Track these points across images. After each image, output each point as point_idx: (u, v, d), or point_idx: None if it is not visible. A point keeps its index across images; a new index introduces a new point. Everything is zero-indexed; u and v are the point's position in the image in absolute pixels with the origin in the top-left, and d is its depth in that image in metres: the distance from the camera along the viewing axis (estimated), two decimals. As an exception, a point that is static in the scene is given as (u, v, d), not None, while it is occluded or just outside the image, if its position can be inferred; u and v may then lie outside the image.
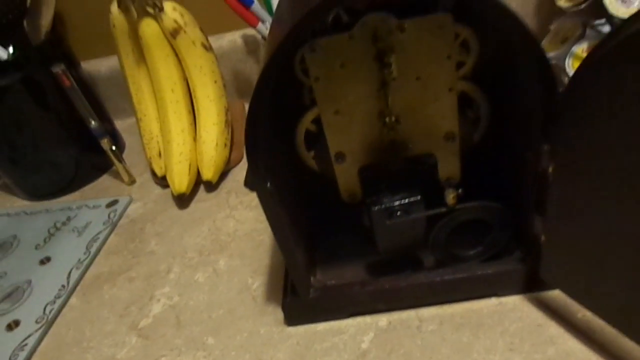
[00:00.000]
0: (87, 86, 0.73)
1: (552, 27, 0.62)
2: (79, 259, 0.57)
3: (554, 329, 0.37)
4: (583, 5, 0.54)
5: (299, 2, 0.31)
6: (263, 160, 0.33)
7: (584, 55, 0.55)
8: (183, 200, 0.62)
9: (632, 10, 0.50)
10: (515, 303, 0.39)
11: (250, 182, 0.33)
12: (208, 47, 0.61)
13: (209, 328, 0.45)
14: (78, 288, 0.54)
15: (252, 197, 0.60)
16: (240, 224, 0.57)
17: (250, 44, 0.77)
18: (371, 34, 0.32)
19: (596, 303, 0.33)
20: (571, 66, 0.56)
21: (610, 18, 0.51)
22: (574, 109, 0.27)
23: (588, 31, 0.57)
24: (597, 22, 0.56)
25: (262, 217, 0.56)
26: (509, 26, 0.28)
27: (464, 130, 0.37)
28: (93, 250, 0.58)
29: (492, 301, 0.40)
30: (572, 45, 0.57)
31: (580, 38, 0.57)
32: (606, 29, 0.55)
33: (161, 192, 0.67)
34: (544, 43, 0.62)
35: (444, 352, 0.37)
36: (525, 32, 0.28)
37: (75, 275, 0.55)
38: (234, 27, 0.76)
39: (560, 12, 0.59)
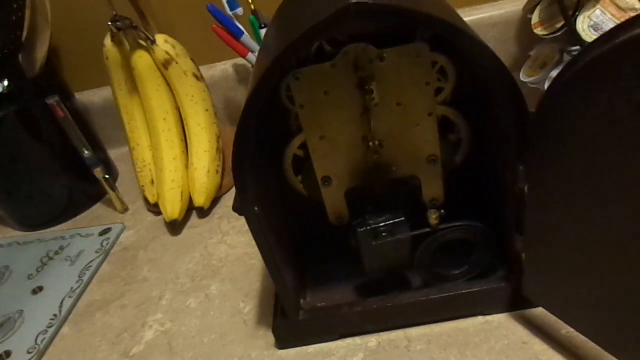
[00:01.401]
0: (81, 117, 0.74)
1: (532, 53, 0.65)
2: (72, 288, 0.57)
3: (539, 346, 0.38)
4: (559, 34, 0.56)
5: (284, 34, 0.33)
6: (251, 185, 0.34)
7: (562, 79, 0.57)
8: (175, 227, 0.63)
9: (605, 36, 0.52)
10: (501, 321, 0.40)
11: (238, 207, 0.34)
12: (199, 77, 0.63)
13: (201, 353, 0.45)
14: (70, 317, 0.54)
15: (244, 222, 0.60)
16: (232, 248, 0.58)
17: (241, 73, 0.79)
18: (353, 63, 0.33)
19: (577, 319, 0.34)
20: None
21: (583, 44, 0.54)
22: (544, 130, 0.28)
23: (565, 57, 0.59)
24: (573, 48, 0.58)
25: (253, 241, 0.57)
26: (481, 56, 0.30)
27: (446, 153, 0.39)
28: (86, 278, 0.58)
29: (479, 320, 0.41)
30: (551, 70, 0.59)
31: (558, 64, 0.59)
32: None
33: (154, 219, 0.67)
34: (525, 68, 0.64)
35: (432, 371, 0.38)
36: (496, 61, 0.30)
37: (67, 304, 0.55)
38: (226, 57, 0.78)
39: (539, 39, 0.62)
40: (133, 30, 0.57)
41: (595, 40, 0.24)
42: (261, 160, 0.39)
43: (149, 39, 0.58)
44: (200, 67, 0.65)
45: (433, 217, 0.37)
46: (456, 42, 0.29)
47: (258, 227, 0.35)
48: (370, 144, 0.37)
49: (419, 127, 0.37)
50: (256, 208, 0.34)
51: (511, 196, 0.35)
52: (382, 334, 0.42)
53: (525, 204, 0.33)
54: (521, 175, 0.32)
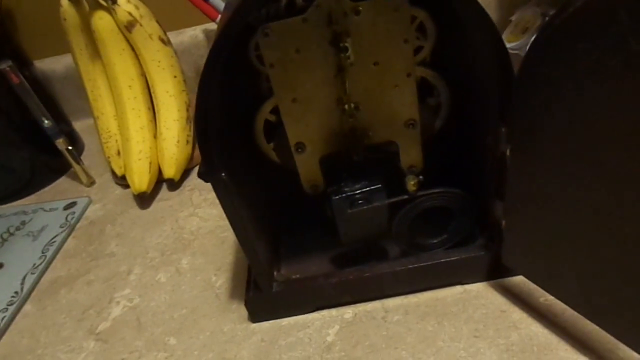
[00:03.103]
0: (41, 85, 0.70)
1: (513, 18, 0.63)
2: (34, 264, 0.54)
3: (517, 314, 0.37)
4: (541, -5, 0.55)
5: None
6: (217, 150, 0.31)
7: (543, 44, 0.56)
8: (144, 200, 0.61)
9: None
10: (479, 290, 0.39)
11: (203, 173, 0.31)
12: (166, 41, 0.59)
13: (170, 328, 0.43)
14: (33, 294, 0.51)
15: (216, 194, 0.58)
16: (204, 221, 0.55)
17: (212, 39, 0.75)
18: (326, 17, 0.31)
19: (557, 287, 0.33)
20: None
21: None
22: (527, 89, 0.27)
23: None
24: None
25: (226, 213, 0.56)
26: (464, 7, 0.28)
27: (425, 117, 0.37)
28: (49, 254, 0.55)
29: (457, 289, 0.40)
30: (533, 35, 0.58)
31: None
32: None
33: (122, 192, 0.64)
34: (506, 34, 0.62)
35: (409, 342, 0.37)
36: (480, 13, 0.28)
37: (29, 280, 0.52)
38: (195, 22, 0.75)
39: (520, 3, 0.60)
40: (91, -12, 0.53)
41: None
42: (230, 123, 0.36)
43: (109, -3, 0.54)
44: (168, 33, 0.62)
45: (411, 184, 0.35)
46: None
47: (225, 193, 0.33)
48: (346, 106, 0.35)
49: (396, 89, 0.35)
50: (223, 174, 0.32)
51: (492, 160, 0.33)
52: (358, 305, 0.40)
53: (506, 168, 0.31)
54: (503, 137, 0.30)
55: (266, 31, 0.31)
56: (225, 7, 0.38)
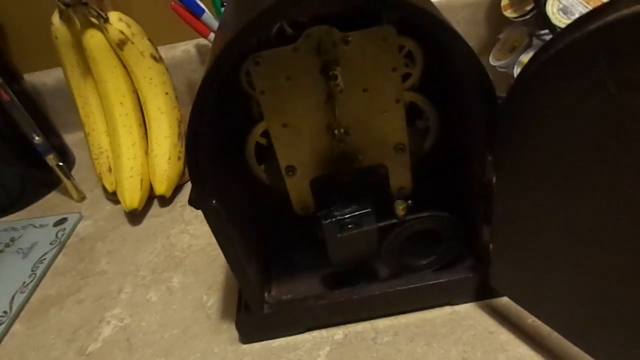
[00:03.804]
0: (31, 100, 0.70)
1: (501, 36, 0.64)
2: (24, 282, 0.54)
3: (505, 336, 0.37)
4: (528, 16, 0.56)
5: (243, 11, 0.30)
6: (208, 177, 0.32)
7: (530, 63, 0.57)
8: (135, 216, 0.60)
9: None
10: (467, 311, 0.40)
11: (194, 200, 0.32)
12: (158, 58, 0.60)
13: (161, 349, 0.43)
14: (22, 313, 0.51)
15: (207, 211, 0.59)
16: (195, 239, 0.55)
17: (203, 54, 0.76)
18: (316, 47, 0.31)
19: (542, 310, 0.34)
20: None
21: (552, 28, 0.53)
22: (512, 119, 0.27)
23: (534, 41, 0.59)
24: (542, 32, 0.57)
25: (217, 231, 0.56)
26: (449, 40, 0.29)
27: (413, 141, 0.37)
28: (39, 272, 0.55)
29: (446, 310, 0.40)
30: (520, 54, 0.59)
31: (527, 47, 0.59)
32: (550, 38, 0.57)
33: (113, 208, 0.64)
34: (494, 52, 0.63)
35: (399, 364, 0.37)
36: (465, 48, 0.28)
37: (19, 299, 0.52)
38: (187, 38, 0.75)
39: (508, 21, 0.61)
40: (83, 7, 0.53)
41: (568, 26, 0.23)
42: (220, 148, 0.36)
43: (101, 16, 0.54)
44: (159, 48, 0.62)
45: (400, 208, 0.36)
46: (425, 26, 0.28)
47: (216, 220, 0.33)
48: (336, 131, 0.35)
49: (385, 114, 0.35)
50: (214, 201, 0.32)
51: (479, 186, 0.34)
52: (348, 325, 0.41)
53: (492, 194, 0.32)
54: (489, 165, 0.31)
55: (257, 60, 0.31)
56: (219, 28, 0.38)
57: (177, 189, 0.63)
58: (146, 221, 0.60)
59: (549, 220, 0.29)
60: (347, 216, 0.36)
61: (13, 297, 0.52)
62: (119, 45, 0.56)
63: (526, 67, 0.25)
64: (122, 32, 0.56)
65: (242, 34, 0.27)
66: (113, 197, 0.63)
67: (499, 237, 0.34)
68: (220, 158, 0.37)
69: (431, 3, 0.32)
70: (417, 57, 0.34)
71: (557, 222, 0.29)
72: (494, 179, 0.31)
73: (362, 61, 0.32)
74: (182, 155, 0.62)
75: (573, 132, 0.24)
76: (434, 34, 0.28)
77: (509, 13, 0.58)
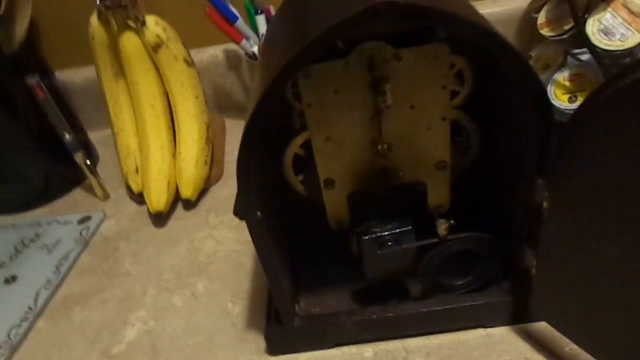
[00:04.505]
0: (60, 96, 0.70)
1: (533, 53, 0.63)
2: (48, 279, 0.54)
3: (542, 362, 0.37)
4: (566, 35, 0.55)
5: (296, 31, 0.30)
6: (254, 190, 0.31)
7: (566, 83, 0.56)
8: (160, 218, 0.60)
9: (614, 43, 0.51)
10: (502, 335, 0.39)
11: (240, 212, 0.31)
12: (190, 63, 0.60)
13: (186, 356, 0.43)
14: (46, 310, 0.51)
15: (233, 217, 0.58)
16: (220, 244, 0.55)
17: (231, 59, 0.76)
18: (367, 62, 0.31)
19: (584, 339, 0.33)
20: (553, 93, 0.57)
21: (592, 49, 0.52)
22: (573, 147, 0.27)
23: (569, 59, 0.58)
24: (578, 50, 0.57)
25: (243, 238, 0.55)
26: (506, 60, 0.28)
27: (454, 159, 0.37)
28: (63, 269, 0.55)
29: (480, 332, 0.39)
30: (554, 72, 0.58)
31: (562, 66, 0.58)
32: (586, 57, 0.56)
33: (136, 208, 0.64)
34: (526, 70, 0.62)
35: (431, 386, 0.36)
36: (523, 66, 0.28)
37: (43, 296, 0.52)
38: (216, 42, 0.75)
39: (540, 38, 0.60)
40: (122, 10, 0.53)
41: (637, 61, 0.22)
42: (263, 162, 0.36)
43: (138, 20, 0.54)
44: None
45: (442, 228, 0.35)
46: (483, 44, 0.27)
47: (259, 232, 0.33)
48: (379, 147, 0.35)
49: (430, 132, 0.35)
50: (259, 213, 0.32)
51: (525, 209, 0.33)
52: (378, 343, 0.40)
53: (541, 219, 0.31)
54: (540, 189, 0.30)
55: (308, 73, 0.31)
56: (268, 46, 0.37)
57: (202, 193, 0.63)
58: (170, 224, 0.60)
59: (601, 250, 0.28)
60: (386, 233, 0.36)
61: (38, 293, 0.52)
62: (154, 49, 0.56)
63: (597, 92, 0.24)
64: (158, 36, 0.56)
65: (301, 54, 0.26)
66: (138, 197, 0.63)
67: (545, 262, 0.33)
68: (263, 172, 0.37)
69: (488, 22, 0.31)
70: (467, 76, 0.34)
71: (609, 253, 0.28)
72: (545, 202, 0.30)
73: (412, 78, 0.32)
74: (209, 160, 0.62)
75: (634, 167, 0.24)
76: (490, 52, 0.28)
77: (546, 31, 0.58)
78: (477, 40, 0.27)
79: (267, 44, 0.37)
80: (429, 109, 0.34)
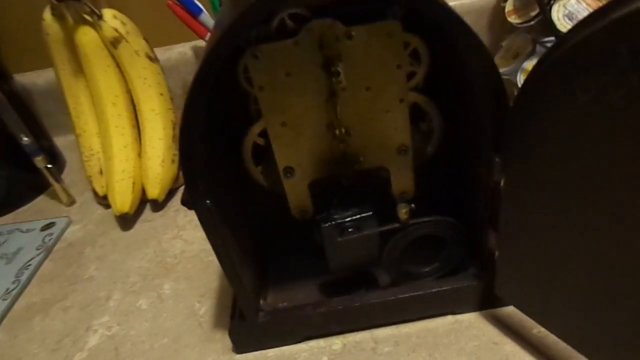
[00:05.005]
0: (21, 100, 0.68)
1: (504, 43, 0.63)
2: (7, 289, 0.52)
3: (510, 346, 0.36)
4: (533, 22, 0.55)
5: (239, 3, 0.29)
6: (202, 176, 0.30)
7: (533, 69, 0.56)
8: (126, 221, 0.59)
9: (576, 25, 0.51)
10: (471, 321, 0.38)
11: (187, 200, 0.30)
12: (153, 58, 0.58)
13: (151, 359, 0.41)
14: (5, 322, 0.49)
15: (201, 216, 0.57)
16: (188, 244, 0.54)
17: (200, 56, 0.74)
18: (317, 41, 0.30)
19: (549, 319, 0.32)
20: (522, 81, 0.57)
21: (557, 33, 0.52)
22: (523, 120, 0.26)
23: (538, 47, 0.58)
24: (547, 39, 0.57)
25: (211, 236, 0.54)
26: (459, 35, 0.27)
27: (417, 143, 0.36)
28: (24, 278, 0.53)
29: (448, 319, 0.39)
30: (524, 61, 0.58)
31: (531, 54, 0.58)
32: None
33: (103, 212, 0.62)
34: (496, 59, 0.62)
35: (400, 376, 0.35)
36: (475, 40, 0.27)
37: (1, 307, 0.50)
38: (184, 39, 0.73)
39: (512, 28, 0.60)
40: (75, 3, 0.52)
41: (586, 18, 0.21)
42: (215, 148, 0.35)
43: (94, 13, 0.52)
44: (155, 50, 0.60)
45: (403, 212, 0.34)
46: (435, 19, 0.26)
47: (210, 221, 0.31)
48: (337, 131, 0.34)
49: (389, 114, 0.34)
50: (208, 201, 0.30)
51: (485, 190, 0.32)
52: (347, 335, 0.39)
53: (500, 198, 0.30)
54: (497, 167, 0.30)
55: (256, 53, 0.30)
56: (215, 25, 0.37)
57: (171, 194, 0.62)
58: (137, 226, 0.58)
59: (560, 225, 0.27)
60: (347, 219, 0.35)
61: (-4, 304, 0.50)
62: (113, 44, 0.55)
63: (540, 63, 0.23)
64: (116, 30, 0.54)
65: (241, 19, 0.26)
66: (104, 201, 0.62)
67: (505, 243, 0.32)
68: (217, 159, 0.35)
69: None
70: (423, 55, 0.33)
71: (568, 228, 0.27)
72: (502, 181, 0.30)
73: (366, 58, 0.31)
74: (176, 158, 0.61)
75: (590, 132, 0.23)
76: (444, 28, 0.27)
77: (513, 19, 0.57)
78: (429, 14, 0.26)
79: (213, 29, 0.36)
80: (386, 91, 0.33)
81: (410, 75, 0.34)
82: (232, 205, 0.38)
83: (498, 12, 0.69)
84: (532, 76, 0.25)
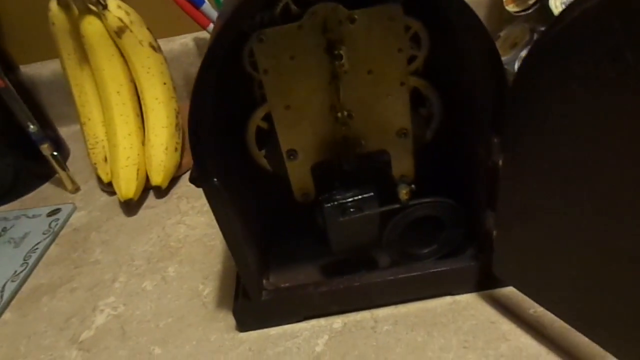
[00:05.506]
0: (27, 90, 0.69)
1: (502, 33, 0.64)
2: (15, 271, 0.53)
3: (507, 326, 0.37)
4: (531, 10, 0.56)
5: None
6: (210, 155, 0.31)
7: (531, 59, 0.57)
8: (131, 207, 0.60)
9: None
10: (468, 301, 0.39)
11: (195, 178, 0.31)
12: (156, 48, 0.59)
13: (156, 338, 0.42)
14: (13, 302, 0.50)
15: (204, 202, 0.57)
16: (191, 229, 0.55)
17: (202, 47, 0.75)
18: (321, 25, 0.31)
19: (546, 298, 0.33)
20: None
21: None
22: (521, 100, 0.27)
23: (536, 37, 0.59)
24: (544, 28, 0.57)
25: (214, 221, 0.54)
26: (458, 16, 0.28)
27: (417, 127, 0.37)
28: (31, 261, 0.54)
29: (446, 299, 0.40)
30: (521, 50, 0.59)
31: (529, 43, 0.59)
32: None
33: (108, 199, 0.63)
34: (493, 48, 0.63)
35: (398, 352, 0.36)
36: (474, 21, 0.28)
37: (10, 288, 0.51)
38: (186, 30, 0.74)
39: (510, 18, 0.61)
40: (81, -7, 0.53)
41: (567, 7, 0.22)
42: (222, 130, 0.36)
43: (99, 3, 0.53)
44: (158, 40, 0.61)
45: (403, 192, 0.35)
46: (433, 3, 0.27)
47: (217, 199, 0.32)
48: (339, 114, 0.35)
49: (389, 98, 0.35)
50: (215, 180, 0.31)
51: (484, 170, 0.33)
52: (347, 314, 0.40)
53: (498, 179, 0.31)
54: (495, 147, 0.31)
55: (261, 37, 0.31)
56: (219, 16, 0.37)
57: (174, 181, 0.63)
58: (141, 212, 0.59)
59: (557, 205, 0.28)
60: (349, 200, 0.36)
61: (4, 286, 0.51)
62: (117, 33, 0.55)
63: (537, 43, 0.24)
64: (120, 20, 0.55)
65: (244, 6, 0.26)
66: (108, 188, 0.63)
67: (504, 223, 0.33)
68: (224, 140, 0.36)
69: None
70: (423, 39, 0.34)
71: (565, 207, 0.28)
72: (500, 161, 0.31)
73: (368, 41, 0.32)
74: (179, 146, 0.62)
75: (585, 107, 0.24)
76: (441, 9, 0.28)
77: (511, 7, 0.58)
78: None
79: (218, 17, 0.37)
80: (387, 74, 0.34)
81: (411, 59, 0.35)
82: (238, 186, 0.39)
83: (496, 3, 0.70)
84: (529, 56, 0.26)
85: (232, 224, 0.34)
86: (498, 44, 0.63)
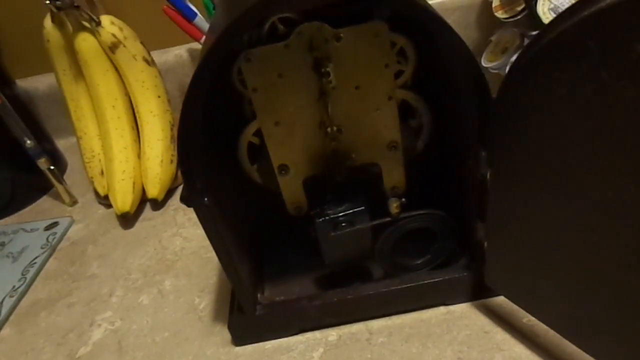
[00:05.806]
0: (23, 104, 0.69)
1: (493, 38, 0.64)
2: (13, 286, 0.53)
3: (501, 335, 0.37)
4: (519, 17, 0.56)
5: (232, 9, 0.30)
6: (199, 174, 0.31)
7: (522, 65, 0.57)
8: (127, 220, 0.60)
9: (564, 21, 0.52)
10: (462, 311, 0.39)
11: (185, 197, 0.31)
12: (150, 62, 0.59)
13: (152, 353, 0.43)
14: (11, 318, 0.50)
15: (200, 214, 0.58)
16: (188, 242, 0.55)
17: (196, 59, 0.75)
18: (308, 43, 0.31)
19: (538, 308, 0.34)
20: (510, 76, 0.58)
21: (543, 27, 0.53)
22: (506, 113, 0.27)
23: (526, 42, 0.59)
24: (534, 32, 0.58)
25: (210, 234, 0.55)
26: (439, 32, 0.28)
27: (407, 139, 0.37)
28: (29, 276, 0.54)
29: (441, 310, 0.40)
30: (512, 55, 0.59)
31: (519, 48, 0.59)
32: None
33: (104, 212, 0.64)
34: (486, 53, 0.63)
35: (393, 364, 0.37)
36: (454, 38, 0.28)
37: (8, 304, 0.51)
38: (179, 42, 0.75)
39: (500, 23, 0.61)
40: (74, 10, 0.53)
41: (559, 15, 0.23)
42: (213, 146, 0.36)
43: (92, 20, 0.54)
44: (152, 52, 0.62)
45: (394, 206, 0.36)
46: (415, 18, 0.28)
47: (208, 218, 0.33)
48: (329, 129, 0.35)
49: (378, 112, 0.35)
50: (206, 199, 0.32)
51: (473, 182, 0.34)
52: (342, 327, 0.40)
53: (487, 190, 0.32)
54: (483, 160, 0.31)
55: (249, 57, 0.31)
56: (209, 30, 0.38)
57: (170, 193, 0.63)
58: (138, 225, 0.60)
59: (544, 215, 0.29)
60: (340, 214, 0.36)
61: (2, 301, 0.51)
62: (111, 49, 0.56)
63: (518, 59, 0.24)
64: (114, 36, 0.55)
65: (234, 24, 0.27)
66: (105, 201, 0.63)
67: (494, 234, 0.33)
68: (214, 157, 0.37)
69: (423, -1, 0.32)
70: (409, 54, 0.34)
71: (552, 217, 0.28)
72: (488, 174, 0.31)
73: (354, 58, 0.32)
74: (175, 158, 0.62)
75: (566, 124, 0.24)
76: (425, 26, 0.28)
77: (500, 14, 0.59)
78: (408, 13, 0.27)
79: (208, 32, 0.37)
80: (375, 89, 0.34)
81: (399, 74, 0.35)
82: (230, 202, 0.40)
83: (486, 8, 0.70)
84: (512, 70, 0.26)
85: (224, 241, 0.35)
86: (489, 48, 0.64)
